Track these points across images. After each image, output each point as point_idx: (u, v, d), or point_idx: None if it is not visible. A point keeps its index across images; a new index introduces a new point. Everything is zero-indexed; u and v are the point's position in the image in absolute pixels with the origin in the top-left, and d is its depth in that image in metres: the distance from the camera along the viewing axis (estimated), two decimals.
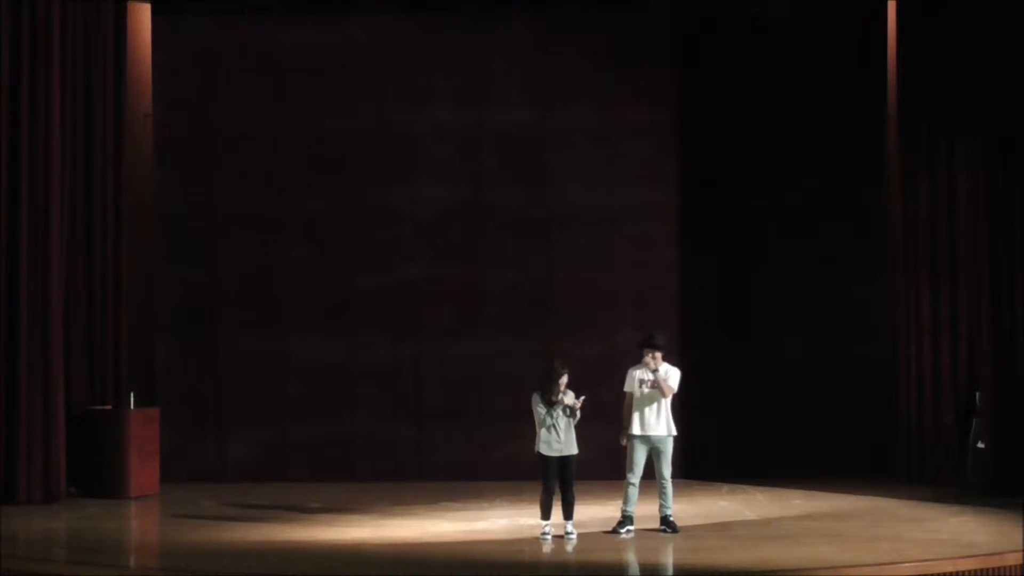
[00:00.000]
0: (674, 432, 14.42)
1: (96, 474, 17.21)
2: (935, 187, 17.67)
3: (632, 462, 14.37)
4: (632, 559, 13.49)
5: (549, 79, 18.93)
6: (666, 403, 14.38)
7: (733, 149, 18.77)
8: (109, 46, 17.79)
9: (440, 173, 18.89)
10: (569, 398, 13.98)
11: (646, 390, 14.34)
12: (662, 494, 14.37)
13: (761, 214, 18.73)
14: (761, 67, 18.70)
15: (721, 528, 14.78)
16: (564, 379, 13.99)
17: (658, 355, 14.40)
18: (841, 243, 18.71)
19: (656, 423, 14.36)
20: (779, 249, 18.73)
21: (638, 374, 14.40)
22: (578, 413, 13.99)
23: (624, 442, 14.45)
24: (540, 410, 13.99)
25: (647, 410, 14.36)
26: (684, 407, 17.51)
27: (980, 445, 16.89)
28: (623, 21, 18.82)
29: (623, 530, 14.24)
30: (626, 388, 14.43)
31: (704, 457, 18.16)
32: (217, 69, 18.87)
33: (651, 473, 14.39)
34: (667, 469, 14.40)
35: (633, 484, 14.32)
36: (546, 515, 14.00)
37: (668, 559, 13.48)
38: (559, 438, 13.97)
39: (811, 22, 18.61)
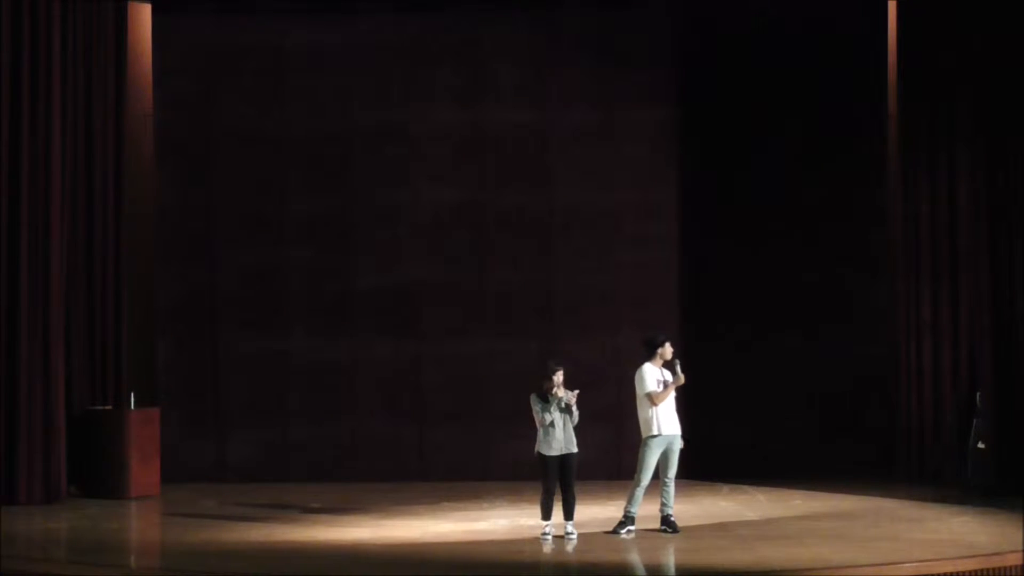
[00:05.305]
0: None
1: (96, 474, 17.21)
2: (935, 187, 17.67)
3: (646, 464, 14.25)
4: (633, 559, 13.49)
5: (549, 79, 18.92)
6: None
7: (733, 149, 18.77)
8: (109, 46, 17.80)
9: (440, 173, 18.89)
10: (562, 392, 13.99)
11: (667, 389, 14.28)
12: (665, 493, 14.35)
13: (761, 214, 18.73)
14: (761, 67, 18.70)
15: (721, 528, 14.78)
16: (559, 376, 14.00)
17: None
18: (841, 243, 18.70)
19: (675, 422, 14.33)
20: (779, 249, 18.72)
21: (656, 374, 14.32)
22: (574, 410, 13.98)
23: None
24: (539, 409, 14.00)
25: (669, 409, 14.32)
26: (684, 407, 17.56)
27: (980, 445, 16.88)
28: (623, 21, 18.82)
29: (623, 530, 14.23)
30: (649, 388, 14.24)
31: (704, 457, 18.15)
32: (217, 69, 18.87)
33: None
34: (673, 469, 14.39)
35: (643, 486, 14.24)
36: (546, 515, 14.00)
37: (668, 559, 13.48)
38: (559, 437, 13.98)
39: (811, 22, 18.60)
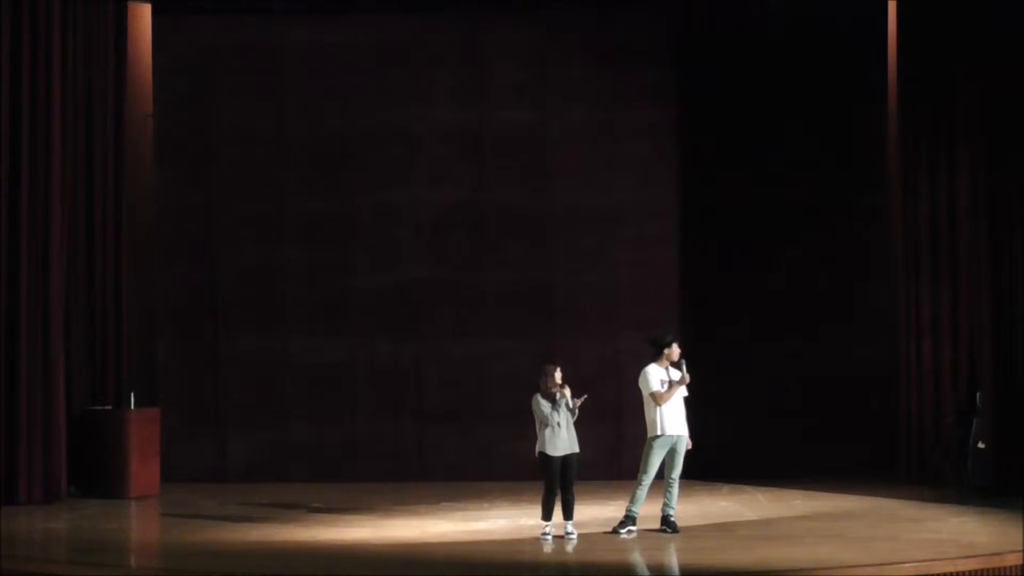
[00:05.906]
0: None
1: (96, 474, 17.20)
2: (935, 187, 17.66)
3: (650, 464, 14.26)
4: (633, 559, 13.49)
5: (549, 79, 18.92)
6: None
7: (733, 149, 18.76)
8: (109, 46, 17.79)
9: (440, 173, 18.89)
10: (568, 393, 13.98)
11: (672, 389, 14.27)
12: (668, 493, 14.35)
13: (761, 214, 18.73)
14: (761, 67, 18.70)
15: (721, 528, 14.79)
16: (558, 374, 14.01)
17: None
18: (841, 243, 18.71)
19: (682, 423, 14.33)
20: (779, 249, 18.72)
21: (660, 374, 14.32)
22: (576, 412, 14.00)
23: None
24: (543, 409, 13.98)
25: (675, 410, 14.32)
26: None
27: (980, 445, 16.88)
28: (623, 21, 18.81)
29: (624, 530, 14.23)
30: (653, 388, 14.28)
31: (704, 457, 18.12)
32: (217, 69, 18.86)
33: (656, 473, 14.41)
34: (678, 469, 14.39)
35: (645, 485, 14.25)
36: (547, 515, 13.99)
37: (668, 559, 13.48)
38: (564, 437, 13.97)
39: (811, 22, 18.60)
